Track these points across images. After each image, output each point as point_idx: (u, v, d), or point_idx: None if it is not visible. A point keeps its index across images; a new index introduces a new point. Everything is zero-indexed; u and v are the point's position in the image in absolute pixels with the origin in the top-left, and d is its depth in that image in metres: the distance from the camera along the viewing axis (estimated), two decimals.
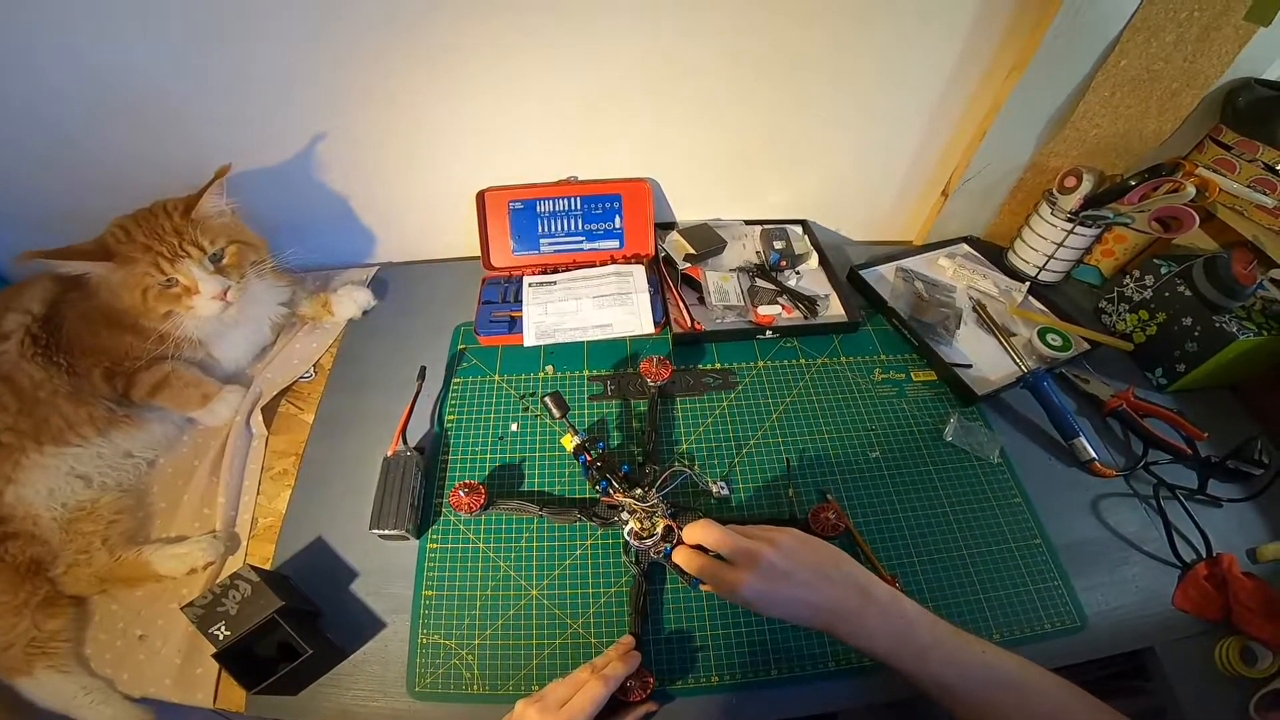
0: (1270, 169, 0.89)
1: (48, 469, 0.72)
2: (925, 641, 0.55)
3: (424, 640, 0.66)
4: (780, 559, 0.56)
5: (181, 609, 0.64)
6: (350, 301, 0.96)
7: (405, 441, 0.77)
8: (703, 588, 0.62)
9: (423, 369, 0.87)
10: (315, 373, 0.90)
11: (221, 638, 0.60)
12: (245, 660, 0.61)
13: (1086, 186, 0.92)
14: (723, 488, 0.75)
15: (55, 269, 0.72)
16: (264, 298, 0.86)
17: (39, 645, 0.65)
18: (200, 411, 0.82)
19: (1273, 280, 0.87)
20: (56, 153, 0.84)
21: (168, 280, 0.73)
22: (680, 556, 0.61)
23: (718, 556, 0.59)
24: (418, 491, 0.74)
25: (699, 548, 0.60)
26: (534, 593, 0.69)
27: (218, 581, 0.63)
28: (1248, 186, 0.91)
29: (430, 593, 0.69)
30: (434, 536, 0.73)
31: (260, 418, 0.84)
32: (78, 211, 0.76)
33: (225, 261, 0.77)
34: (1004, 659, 0.55)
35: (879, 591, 0.57)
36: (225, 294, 0.75)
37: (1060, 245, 0.97)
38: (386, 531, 0.70)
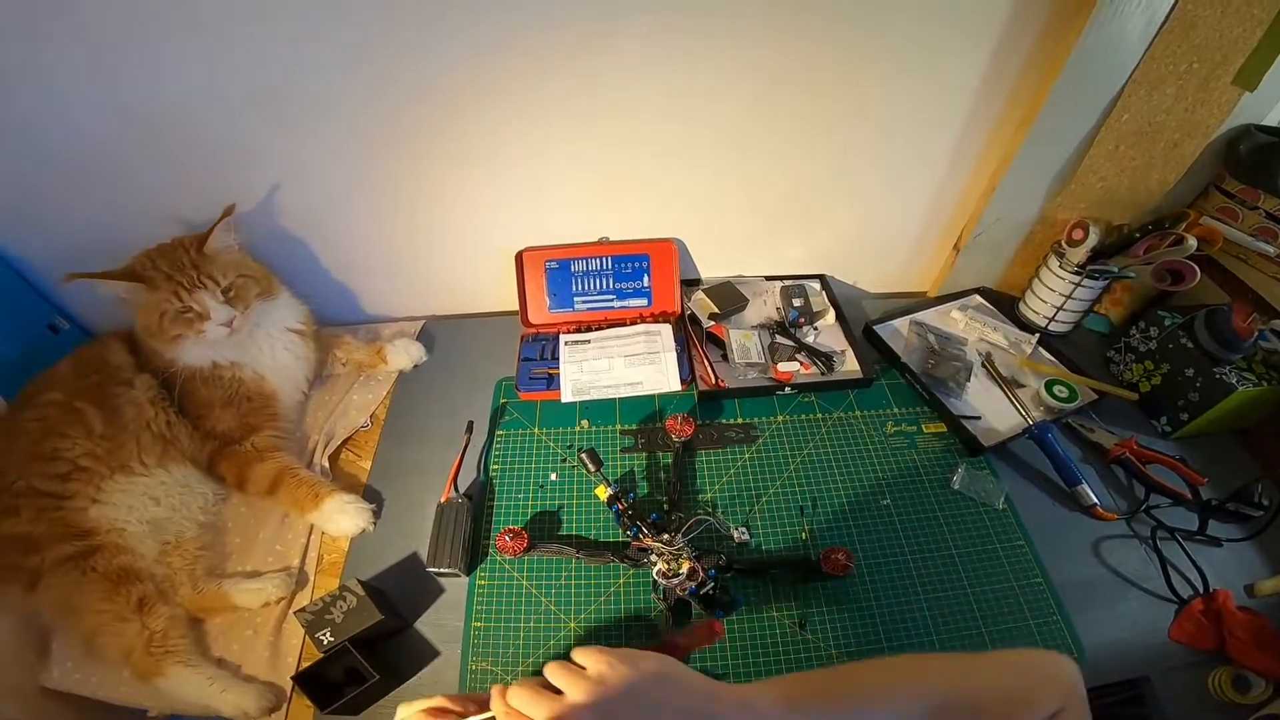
0: (1271, 217, 0.91)
1: (126, 490, 0.80)
2: None
3: (473, 667, 0.74)
4: None
5: (294, 613, 0.73)
6: (404, 354, 1.04)
7: (456, 489, 0.86)
8: None
9: (470, 423, 0.95)
10: (371, 422, 0.99)
11: (326, 642, 0.69)
12: (318, 682, 0.69)
13: (1093, 239, 0.95)
14: (743, 533, 0.82)
15: (96, 288, 0.81)
16: (277, 317, 0.94)
17: (160, 645, 0.72)
18: (316, 515, 0.84)
19: (1274, 331, 0.88)
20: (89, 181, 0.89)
21: (185, 307, 0.82)
22: None
23: None
24: (468, 534, 0.82)
25: None
26: (572, 625, 0.76)
27: (325, 594, 0.72)
28: (1250, 234, 0.93)
29: (479, 624, 0.77)
30: (482, 574, 0.81)
31: (327, 463, 0.94)
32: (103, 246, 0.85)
33: (233, 294, 0.85)
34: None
35: None
36: (232, 322, 0.84)
37: (1069, 297, 1.01)
38: (441, 569, 0.79)
